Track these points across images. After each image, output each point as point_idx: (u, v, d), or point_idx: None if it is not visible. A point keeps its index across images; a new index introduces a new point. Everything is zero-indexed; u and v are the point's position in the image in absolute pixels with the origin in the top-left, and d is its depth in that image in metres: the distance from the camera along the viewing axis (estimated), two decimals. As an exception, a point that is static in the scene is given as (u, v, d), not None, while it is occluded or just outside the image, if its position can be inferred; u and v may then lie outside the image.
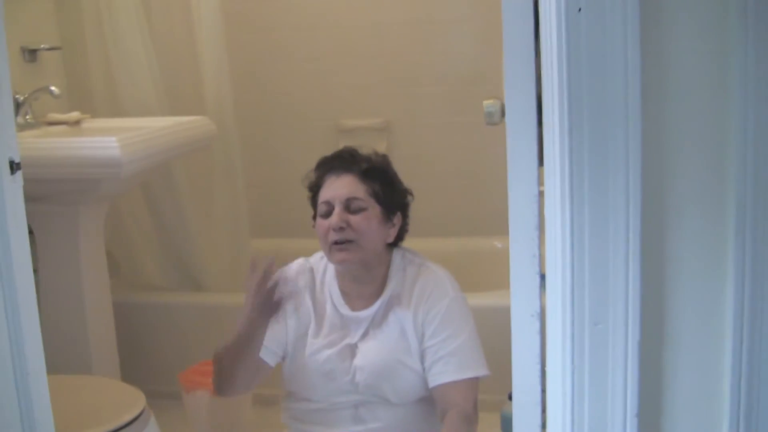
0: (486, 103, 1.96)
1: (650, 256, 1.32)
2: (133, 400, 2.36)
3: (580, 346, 1.34)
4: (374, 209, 2.30)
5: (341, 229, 2.26)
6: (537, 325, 1.49)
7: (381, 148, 4.05)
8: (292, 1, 4.10)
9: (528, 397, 1.52)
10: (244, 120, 3.87)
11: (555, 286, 1.37)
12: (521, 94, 1.45)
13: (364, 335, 2.34)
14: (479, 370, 2.29)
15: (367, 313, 2.35)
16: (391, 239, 2.36)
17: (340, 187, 2.30)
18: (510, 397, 2.66)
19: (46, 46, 3.36)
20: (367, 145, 2.48)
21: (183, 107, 3.54)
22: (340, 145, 4.03)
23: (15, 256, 1.66)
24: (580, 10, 1.26)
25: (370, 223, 2.28)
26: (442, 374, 2.27)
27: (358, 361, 2.31)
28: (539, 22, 1.41)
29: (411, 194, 2.44)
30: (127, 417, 2.26)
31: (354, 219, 2.27)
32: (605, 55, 1.27)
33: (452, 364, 2.26)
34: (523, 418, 1.54)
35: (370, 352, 2.31)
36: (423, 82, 4.07)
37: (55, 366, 2.80)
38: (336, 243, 2.28)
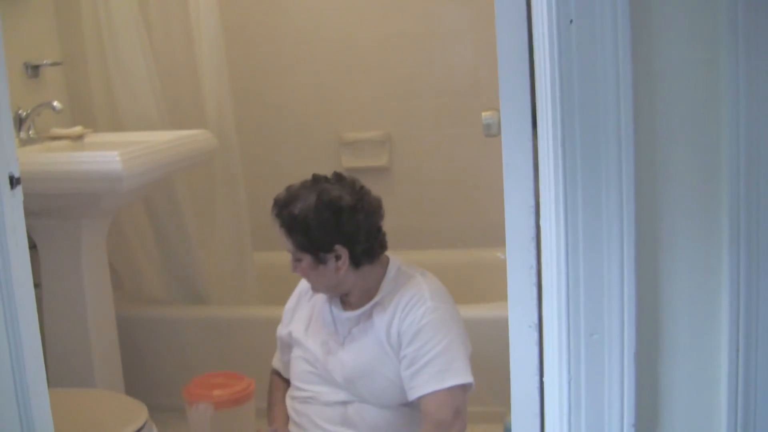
0: (484, 115, 1.97)
1: (645, 266, 1.33)
2: (136, 413, 2.37)
3: (577, 357, 1.35)
4: (306, 258, 2.40)
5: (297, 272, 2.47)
6: (535, 336, 1.50)
7: (382, 160, 4.08)
8: (293, 14, 4.10)
9: (527, 408, 1.53)
10: (246, 133, 3.88)
11: (551, 297, 1.37)
12: (516, 106, 1.46)
13: (348, 335, 2.45)
14: (457, 378, 2.30)
15: (353, 314, 2.46)
16: (342, 270, 2.40)
17: (281, 237, 2.45)
18: (512, 408, 2.67)
19: (49, 61, 3.38)
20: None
21: (184, 121, 3.55)
22: (342, 158, 4.10)
23: (15, 271, 1.66)
24: (571, 22, 1.27)
25: (306, 271, 2.43)
26: (418, 388, 2.32)
27: (339, 358, 2.43)
28: (532, 35, 1.42)
29: (358, 212, 2.41)
30: (130, 430, 2.27)
31: (298, 268, 2.44)
32: (597, 66, 1.28)
33: (426, 375, 2.30)
34: (523, 429, 1.54)
35: (350, 353, 2.42)
36: (423, 94, 4.07)
37: (58, 379, 2.83)
38: None
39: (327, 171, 3.69)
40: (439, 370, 2.30)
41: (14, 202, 1.67)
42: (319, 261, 2.39)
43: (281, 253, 4.06)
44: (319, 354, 2.46)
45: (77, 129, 3.20)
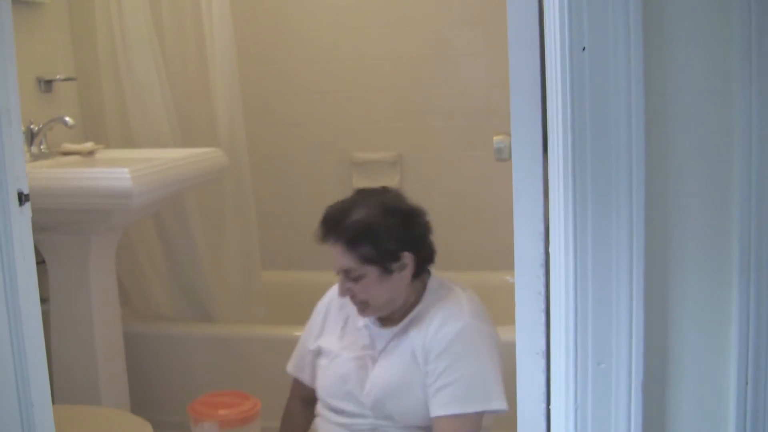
0: (496, 139, 1.97)
1: (654, 295, 1.32)
2: (140, 431, 2.36)
3: (584, 385, 1.34)
4: (371, 272, 2.30)
5: (351, 296, 2.35)
6: (542, 363, 1.49)
7: (394, 181, 4.08)
8: (306, 35, 4.11)
9: (533, 435, 1.51)
10: (257, 152, 3.88)
11: (559, 324, 1.36)
12: (527, 131, 1.46)
13: (383, 351, 2.38)
14: (480, 404, 2.24)
15: (391, 330, 2.38)
16: (407, 279, 2.34)
17: (335, 258, 2.33)
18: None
19: (62, 76, 3.39)
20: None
21: (196, 138, 3.56)
22: (353, 178, 4.10)
23: (21, 286, 1.67)
24: (584, 49, 1.27)
25: (369, 288, 2.32)
26: (438, 406, 2.26)
27: (373, 373, 2.37)
28: (545, 61, 1.41)
29: (420, 216, 2.41)
30: (133, 448, 2.26)
31: (355, 288, 2.32)
32: (609, 93, 1.28)
33: (449, 396, 2.24)
34: (528, 456, 1.53)
35: (384, 369, 2.35)
36: (435, 116, 4.07)
37: (64, 396, 2.82)
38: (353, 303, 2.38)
39: (338, 191, 3.70)
40: (464, 393, 2.24)
41: (22, 218, 1.67)
42: (386, 272, 2.30)
43: (290, 273, 4.11)
44: (352, 370, 2.39)
45: (88, 145, 3.21)
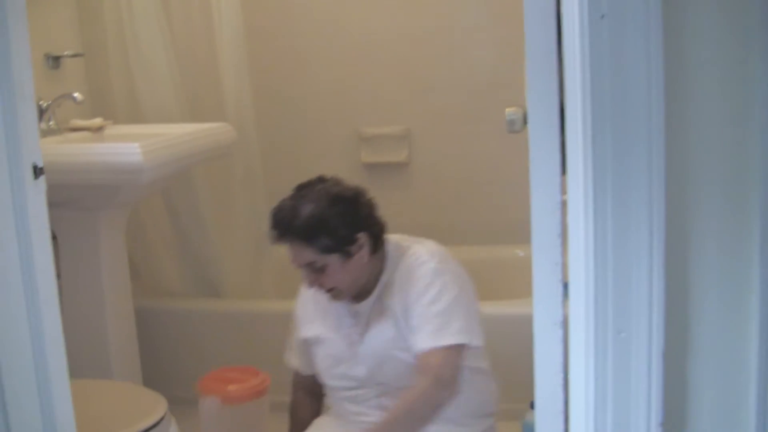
0: (508, 111, 1.96)
1: (674, 264, 1.31)
2: (155, 405, 2.36)
3: (603, 355, 1.34)
4: (333, 260, 2.35)
5: (318, 286, 2.40)
6: (560, 333, 1.48)
7: (402, 156, 4.07)
8: (313, 8, 4.09)
9: (551, 406, 1.51)
10: (265, 127, 3.87)
11: (578, 294, 1.36)
12: (544, 102, 1.44)
13: (366, 325, 2.43)
14: (460, 336, 2.29)
15: (366, 304, 2.44)
16: (367, 257, 2.40)
17: (293, 254, 2.38)
18: (532, 406, 2.65)
19: (69, 53, 3.38)
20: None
21: (203, 114, 3.55)
22: (361, 153, 4.08)
23: (37, 261, 1.67)
24: (602, 17, 1.26)
25: (335, 275, 2.36)
26: (416, 343, 2.30)
27: (362, 347, 2.41)
28: (562, 30, 1.40)
29: (362, 197, 2.44)
30: (149, 422, 2.26)
31: (321, 278, 2.37)
32: (628, 62, 1.27)
33: (426, 331, 2.29)
34: (546, 427, 1.53)
35: (370, 340, 2.40)
36: (443, 90, 4.05)
37: (75, 370, 2.80)
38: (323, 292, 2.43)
39: (346, 166, 3.69)
40: (438, 328, 2.28)
41: (37, 191, 1.67)
42: (347, 256, 2.35)
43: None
44: (343, 350, 2.45)
45: (97, 121, 3.20)
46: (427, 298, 2.31)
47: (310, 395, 2.66)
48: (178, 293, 3.71)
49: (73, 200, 2.80)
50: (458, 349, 2.29)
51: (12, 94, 1.61)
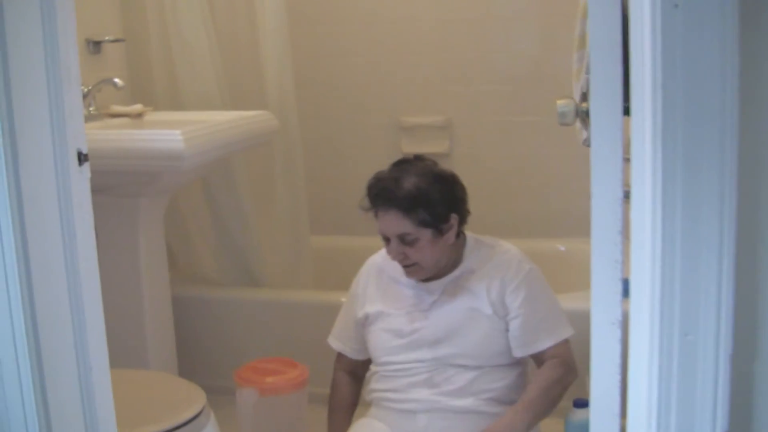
0: (560, 103, 1.90)
1: (745, 264, 1.26)
2: (194, 397, 2.34)
3: (668, 357, 1.28)
4: (425, 235, 2.43)
5: (402, 258, 2.48)
6: (618, 333, 1.43)
7: (443, 147, 4.03)
8: (356, -3, 4.06)
9: (607, 407, 1.46)
10: (305, 116, 3.82)
11: (642, 293, 1.30)
12: (608, 92, 1.39)
13: (434, 303, 2.52)
14: (569, 329, 2.50)
15: (440, 283, 2.53)
16: (452, 240, 2.50)
17: (388, 223, 2.45)
18: (575, 404, 2.61)
19: (110, 38, 3.35)
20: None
21: (244, 102, 3.51)
22: (402, 143, 4.04)
23: (80, 249, 1.65)
24: (676, 6, 1.20)
25: (423, 250, 2.45)
26: (537, 342, 2.47)
27: (427, 322, 2.50)
28: (628, 19, 1.35)
29: (458, 180, 2.55)
30: (188, 414, 2.23)
31: (409, 251, 2.45)
32: (702, 54, 1.21)
33: (545, 331, 2.47)
34: (601, 428, 1.48)
35: (439, 317, 2.50)
36: (485, 80, 4.01)
37: (112, 360, 2.79)
38: (403, 265, 2.51)
39: (386, 155, 3.66)
40: (554, 324, 2.49)
41: (81, 178, 1.64)
42: (438, 234, 2.44)
43: (338, 238, 4.07)
44: (404, 324, 2.52)
45: (137, 107, 3.17)
46: (535, 299, 2.48)
47: (350, 375, 2.73)
48: (214, 281, 3.68)
49: (113, 187, 2.77)
50: (568, 342, 2.50)
51: (59, 77, 1.58)
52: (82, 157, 1.63)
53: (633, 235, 1.34)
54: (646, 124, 1.26)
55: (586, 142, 2.32)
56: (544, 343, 2.47)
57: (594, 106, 1.41)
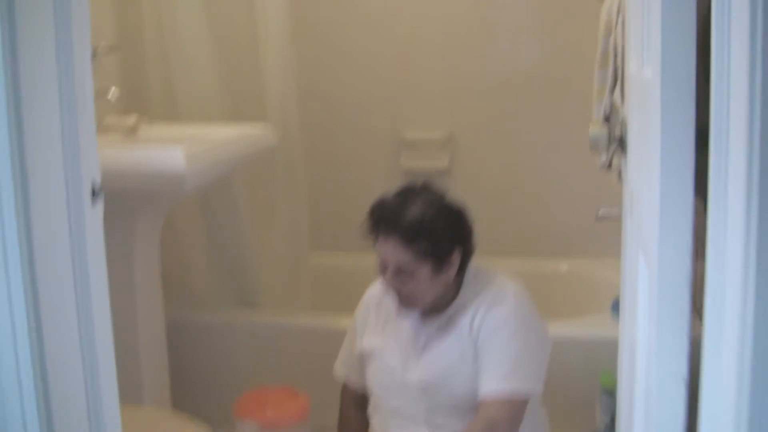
0: (592, 129, 1.80)
1: None
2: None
3: (759, 420, 1.13)
4: (424, 268, 2.33)
5: (397, 290, 2.38)
6: (682, 390, 1.31)
7: (443, 163, 3.93)
8: (358, 7, 3.97)
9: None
10: (305, 128, 3.71)
11: (723, 338, 1.14)
12: (680, 119, 1.24)
13: (429, 341, 2.41)
14: (523, 383, 2.30)
15: (434, 323, 2.42)
16: (451, 278, 2.39)
17: (388, 251, 2.35)
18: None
19: (104, 45, 3.21)
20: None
21: (244, 113, 3.39)
22: (401, 157, 3.93)
23: (93, 290, 1.52)
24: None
25: (419, 285, 2.35)
26: (484, 381, 2.29)
27: (420, 364, 2.40)
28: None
29: (466, 214, 2.46)
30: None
31: (404, 282, 2.35)
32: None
33: (493, 373, 2.29)
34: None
35: (431, 358, 2.39)
36: (489, 95, 3.93)
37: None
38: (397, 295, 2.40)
39: (385, 171, 3.58)
40: (508, 372, 2.28)
41: (94, 215, 1.53)
42: (439, 268, 2.34)
43: (338, 253, 3.94)
44: (397, 363, 2.43)
45: (132, 120, 3.01)
46: (504, 340, 2.31)
47: (358, 409, 2.62)
48: (209, 304, 3.53)
49: (107, 207, 2.62)
50: (523, 402, 2.30)
51: (72, 92, 1.44)
52: (96, 190, 1.51)
53: (709, 289, 1.21)
54: (727, 159, 1.09)
55: (604, 166, 2.22)
56: (483, 387, 2.28)
57: (665, 138, 1.26)
